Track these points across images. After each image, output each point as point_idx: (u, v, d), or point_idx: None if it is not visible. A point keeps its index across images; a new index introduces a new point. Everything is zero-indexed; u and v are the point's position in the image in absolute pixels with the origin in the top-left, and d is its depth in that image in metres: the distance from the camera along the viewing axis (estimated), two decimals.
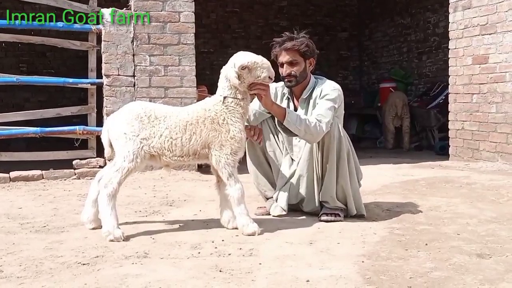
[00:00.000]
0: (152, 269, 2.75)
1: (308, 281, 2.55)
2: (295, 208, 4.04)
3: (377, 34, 12.80)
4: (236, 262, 2.87)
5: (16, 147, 7.09)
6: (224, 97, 3.46)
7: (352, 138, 4.30)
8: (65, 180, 5.95)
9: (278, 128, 3.90)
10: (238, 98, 3.46)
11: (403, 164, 6.98)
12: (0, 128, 6.15)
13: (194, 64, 6.35)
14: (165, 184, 5.54)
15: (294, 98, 4.01)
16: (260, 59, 3.46)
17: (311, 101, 3.89)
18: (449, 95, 7.47)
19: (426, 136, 9.73)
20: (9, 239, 3.40)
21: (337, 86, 3.90)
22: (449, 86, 7.44)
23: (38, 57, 11.29)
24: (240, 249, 3.11)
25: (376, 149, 10.10)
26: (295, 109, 3.96)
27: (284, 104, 3.99)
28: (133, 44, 6.21)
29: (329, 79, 4.02)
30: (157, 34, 6.26)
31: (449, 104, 7.46)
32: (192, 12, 6.32)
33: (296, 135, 3.72)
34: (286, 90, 4.02)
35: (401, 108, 9.55)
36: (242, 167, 3.96)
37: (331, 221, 3.74)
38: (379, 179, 5.65)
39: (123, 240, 3.29)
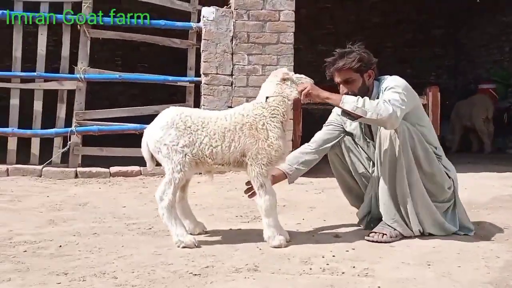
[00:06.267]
0: (265, 286, 2.65)
1: None
2: None
3: (475, 32, 12.13)
4: (352, 283, 2.71)
5: (108, 142, 7.21)
6: (267, 97, 3.37)
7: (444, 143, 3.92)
8: (162, 177, 5.98)
9: (344, 117, 3.52)
10: (283, 96, 3.38)
11: (510, 173, 6.53)
12: (101, 123, 6.31)
13: (292, 64, 6.22)
14: None
15: None
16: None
17: None
18: None
19: None
20: (118, 241, 3.42)
21: (400, 79, 3.52)
22: None
23: (132, 51, 11.54)
24: (354, 267, 2.95)
25: (471, 153, 9.61)
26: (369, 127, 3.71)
27: (356, 123, 3.69)
28: (232, 43, 6.17)
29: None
30: (256, 33, 6.19)
31: None
32: (293, 11, 6.20)
33: (363, 117, 3.33)
34: None
35: (491, 111, 9.35)
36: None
37: (373, 241, 3.44)
38: (486, 190, 5.30)
39: (196, 246, 3.25)
